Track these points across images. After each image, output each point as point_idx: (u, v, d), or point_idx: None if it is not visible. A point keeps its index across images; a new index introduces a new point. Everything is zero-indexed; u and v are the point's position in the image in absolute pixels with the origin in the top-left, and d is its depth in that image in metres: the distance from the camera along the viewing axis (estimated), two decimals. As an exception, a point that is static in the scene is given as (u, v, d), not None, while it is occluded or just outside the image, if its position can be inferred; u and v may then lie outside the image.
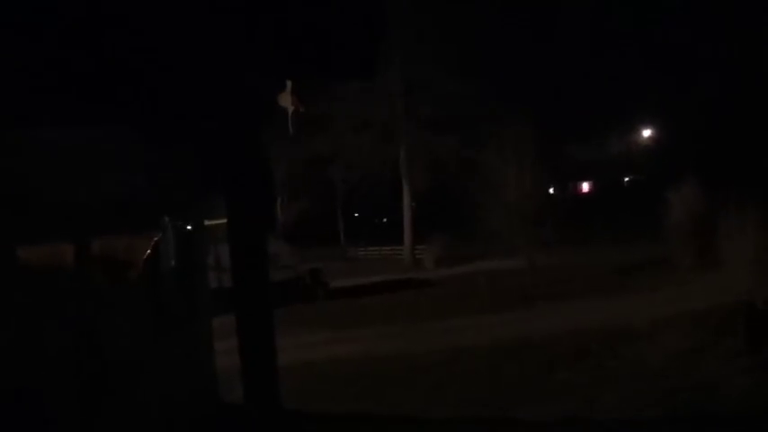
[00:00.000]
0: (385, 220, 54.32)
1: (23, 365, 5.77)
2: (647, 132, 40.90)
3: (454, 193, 32.42)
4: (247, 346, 6.86)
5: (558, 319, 13.95)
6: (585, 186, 46.99)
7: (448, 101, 32.80)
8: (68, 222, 5.95)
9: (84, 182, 5.87)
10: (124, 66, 4.53)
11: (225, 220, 6.75)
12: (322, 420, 8.02)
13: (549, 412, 8.03)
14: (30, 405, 5.67)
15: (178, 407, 6.62)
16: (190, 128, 5.59)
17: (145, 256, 6.49)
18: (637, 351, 10.57)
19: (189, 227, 7.45)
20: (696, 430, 7.14)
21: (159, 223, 6.63)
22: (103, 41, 4.38)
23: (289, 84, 6.12)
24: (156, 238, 6.59)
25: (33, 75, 4.50)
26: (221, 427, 6.89)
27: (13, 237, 5.86)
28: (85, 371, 6.05)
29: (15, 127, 5.07)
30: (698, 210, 18.52)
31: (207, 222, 9.46)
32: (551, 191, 37.79)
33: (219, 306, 8.21)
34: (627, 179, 45.52)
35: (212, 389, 7.54)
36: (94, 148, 5.75)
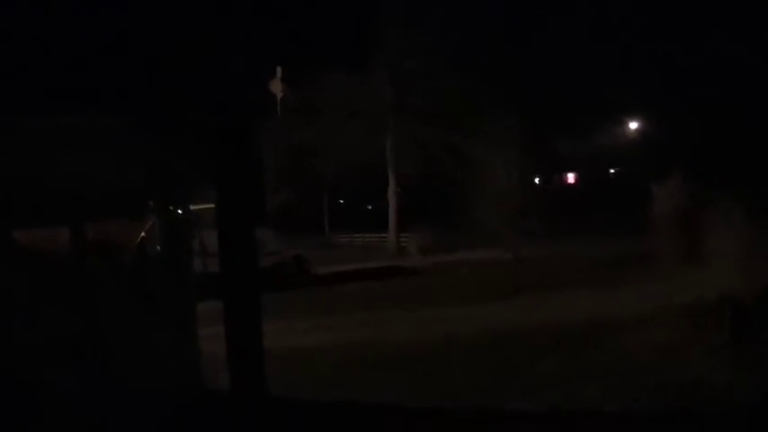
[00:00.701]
0: (369, 207, 54.30)
1: (19, 348, 5.77)
2: (634, 125, 40.98)
3: (441, 182, 32.47)
4: (234, 332, 6.86)
5: (542, 311, 13.96)
6: (571, 178, 47.09)
7: (437, 91, 32.85)
8: (64, 206, 5.94)
9: (79, 167, 5.85)
10: (119, 56, 4.52)
11: (210, 205, 6.72)
12: (309, 407, 8.01)
13: (535, 403, 8.07)
14: (24, 388, 5.67)
15: (163, 393, 6.61)
16: (183, 116, 5.58)
17: (138, 241, 6.49)
18: (622, 344, 10.61)
19: (178, 211, 7.43)
20: (682, 422, 7.18)
21: (148, 208, 6.62)
22: (98, 32, 4.37)
23: (279, 70, 6.13)
24: (148, 223, 6.58)
25: (30, 66, 4.49)
26: (207, 414, 6.87)
27: (9, 220, 5.85)
28: (81, 355, 6.05)
29: (13, 114, 5.05)
30: (683, 204, 18.58)
31: (192, 207, 9.42)
32: (537, 182, 37.87)
33: (204, 291, 8.19)
34: (613, 171, 45.65)
35: (197, 375, 7.53)
36: (89, 134, 5.73)
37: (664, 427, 7.17)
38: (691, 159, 23.08)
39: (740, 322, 10.21)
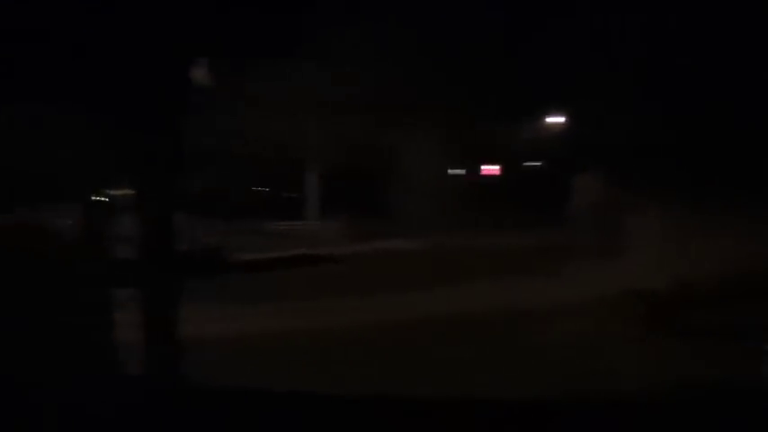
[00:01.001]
0: (293, 195, 53.80)
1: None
2: (559, 119, 41.35)
3: (366, 172, 32.49)
4: (150, 318, 6.84)
5: (458, 300, 14.08)
6: (494, 170, 47.37)
7: (366, 81, 32.76)
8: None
9: (5, 155, 5.77)
10: (43, 45, 4.48)
11: (128, 191, 6.68)
12: (225, 395, 8.00)
13: (452, 391, 8.16)
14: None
15: (79, 380, 6.55)
16: (103, 103, 5.53)
17: (63, 228, 6.42)
18: (534, 334, 10.83)
19: (97, 198, 7.37)
20: (593, 414, 7.36)
21: (72, 195, 6.57)
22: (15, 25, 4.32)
23: (204, 60, 6.11)
24: (74, 210, 6.52)
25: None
26: (122, 401, 6.83)
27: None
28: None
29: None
30: (604, 197, 18.95)
31: (111, 192, 9.30)
32: (462, 173, 38.08)
33: (122, 278, 8.10)
34: (536, 164, 46.07)
35: (115, 362, 7.47)
36: (11, 123, 5.66)
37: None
38: (611, 154, 23.49)
39: (656, 315, 10.54)
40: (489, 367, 9.29)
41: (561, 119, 40.29)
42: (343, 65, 33.33)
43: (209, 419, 7.24)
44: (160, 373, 6.93)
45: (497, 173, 47.70)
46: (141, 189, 6.01)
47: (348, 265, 23.41)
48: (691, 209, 14.22)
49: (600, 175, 19.75)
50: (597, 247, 17.81)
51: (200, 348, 10.07)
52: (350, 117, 34.15)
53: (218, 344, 11.28)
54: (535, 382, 8.52)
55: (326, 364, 9.97)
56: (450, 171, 33.20)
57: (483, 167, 47.02)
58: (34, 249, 6.63)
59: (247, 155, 40.23)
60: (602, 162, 20.33)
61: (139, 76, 5.28)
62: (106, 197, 8.08)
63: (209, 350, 10.61)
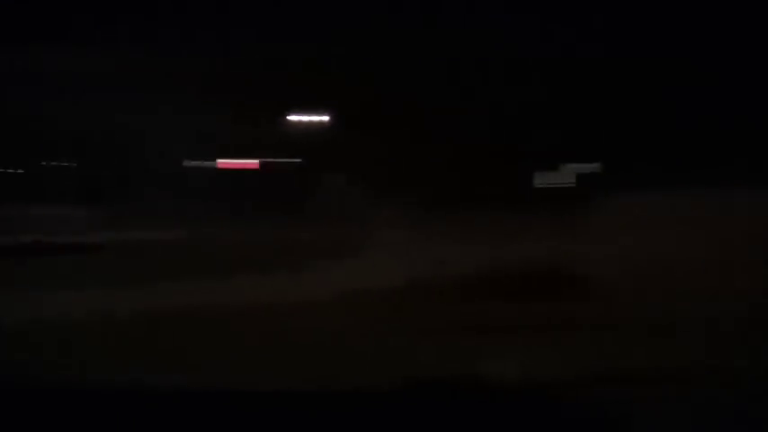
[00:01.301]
0: (38, 178, 50.98)
1: None
2: (325, 117, 41.88)
3: (115, 157, 31.55)
4: None
5: (212, 293, 13.99)
6: (252, 164, 47.35)
7: (112, 62, 31.66)
8: None
9: None
10: None
11: None
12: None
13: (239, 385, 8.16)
14: None
15: None
16: None
17: None
18: (285, 329, 11.03)
19: None
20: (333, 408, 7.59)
21: None
22: None
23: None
24: None
25: None
26: None
27: None
28: None
29: None
30: (356, 197, 19.42)
31: None
32: (216, 166, 37.77)
33: None
34: (295, 161, 46.46)
35: None
36: None
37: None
38: (368, 155, 24.08)
39: (399, 312, 11.03)
40: (229, 362, 9.37)
41: (324, 117, 40.98)
42: (90, 44, 32.15)
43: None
44: None
45: (255, 167, 47.63)
46: None
47: (87, 254, 22.20)
48: (443, 211, 14.90)
49: (355, 175, 20.20)
50: (345, 245, 18.21)
51: None
52: (93, 99, 32.82)
53: None
54: (267, 375, 8.70)
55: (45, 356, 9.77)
56: (204, 163, 32.93)
57: (240, 161, 46.85)
58: None
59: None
60: (359, 162, 20.83)
61: None
62: None
63: None
